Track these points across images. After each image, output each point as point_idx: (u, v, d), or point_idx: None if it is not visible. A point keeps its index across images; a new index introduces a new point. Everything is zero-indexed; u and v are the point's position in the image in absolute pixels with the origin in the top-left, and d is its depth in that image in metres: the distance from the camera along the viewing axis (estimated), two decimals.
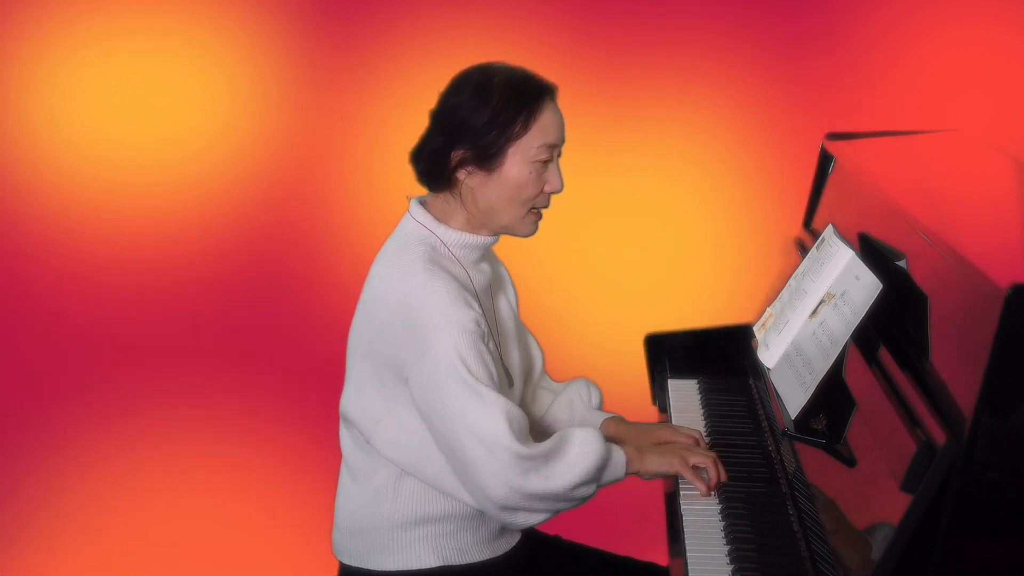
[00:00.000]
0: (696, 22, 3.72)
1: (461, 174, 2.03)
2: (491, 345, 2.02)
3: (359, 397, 2.07)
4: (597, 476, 2.02)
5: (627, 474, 2.09)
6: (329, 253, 3.86)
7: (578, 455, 1.99)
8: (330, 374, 2.53)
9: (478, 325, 1.97)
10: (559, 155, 2.07)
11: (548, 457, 1.97)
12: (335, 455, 2.20)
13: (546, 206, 2.08)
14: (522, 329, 2.30)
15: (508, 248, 2.23)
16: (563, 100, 2.10)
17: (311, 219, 3.87)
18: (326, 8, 3.77)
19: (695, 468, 2.12)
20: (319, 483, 3.39)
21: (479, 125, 2.00)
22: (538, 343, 2.36)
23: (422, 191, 2.12)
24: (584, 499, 2.03)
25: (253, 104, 3.82)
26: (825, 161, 2.65)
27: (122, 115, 3.81)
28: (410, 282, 1.98)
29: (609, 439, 2.29)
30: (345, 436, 2.14)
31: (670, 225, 3.82)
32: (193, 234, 3.85)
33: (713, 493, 2.11)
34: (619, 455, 2.06)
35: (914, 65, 3.64)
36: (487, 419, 1.93)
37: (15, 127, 3.80)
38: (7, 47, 3.75)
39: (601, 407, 2.36)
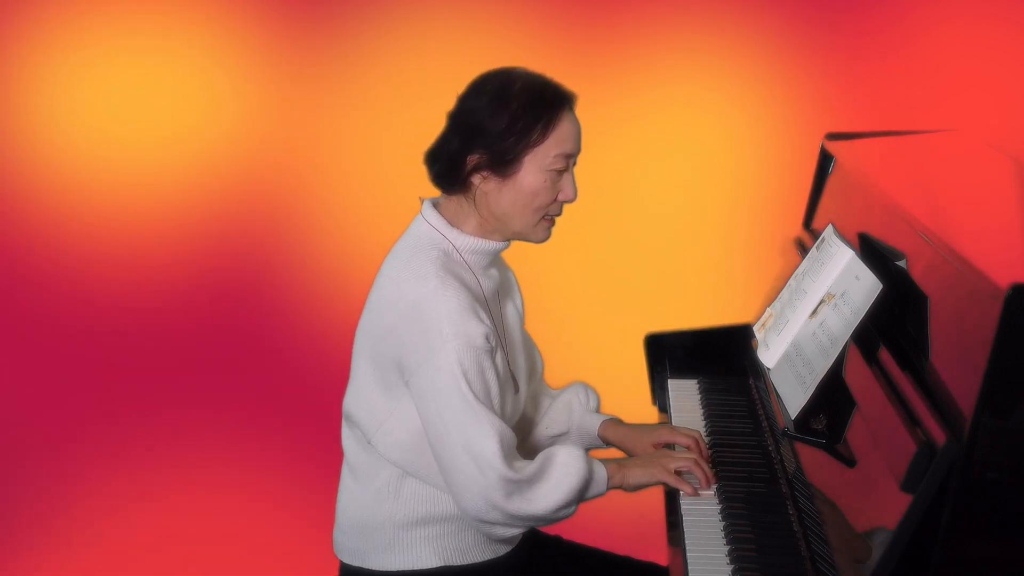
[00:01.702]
0: (696, 23, 3.73)
1: (476, 178, 2.03)
2: (499, 356, 2.02)
3: (362, 397, 2.07)
4: (578, 497, 2.04)
5: (609, 489, 2.10)
6: (336, 252, 3.86)
7: (560, 477, 2.00)
8: (334, 373, 2.53)
9: (487, 340, 1.97)
10: (574, 164, 2.07)
11: (532, 481, 1.99)
12: (337, 454, 2.20)
13: (558, 214, 2.08)
14: (526, 335, 2.31)
15: (509, 247, 2.23)
16: None
17: (318, 218, 3.88)
18: (330, 7, 3.77)
19: (679, 472, 2.13)
20: (320, 482, 3.39)
21: (497, 130, 1.99)
22: (538, 348, 2.36)
23: (432, 191, 2.12)
24: (563, 518, 2.05)
25: (257, 104, 3.83)
26: (825, 161, 2.65)
27: (122, 115, 3.81)
28: (422, 288, 1.98)
29: (607, 442, 2.30)
30: (348, 436, 2.14)
31: (670, 225, 3.82)
32: (196, 234, 3.86)
33: (713, 492, 2.11)
34: (600, 474, 2.07)
35: (914, 65, 3.64)
36: (480, 438, 1.94)
37: (15, 127, 3.81)
38: (7, 47, 3.76)
39: (599, 411, 2.36)
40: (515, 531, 2.04)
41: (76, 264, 3.83)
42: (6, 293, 3.83)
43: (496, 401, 2.00)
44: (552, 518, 2.03)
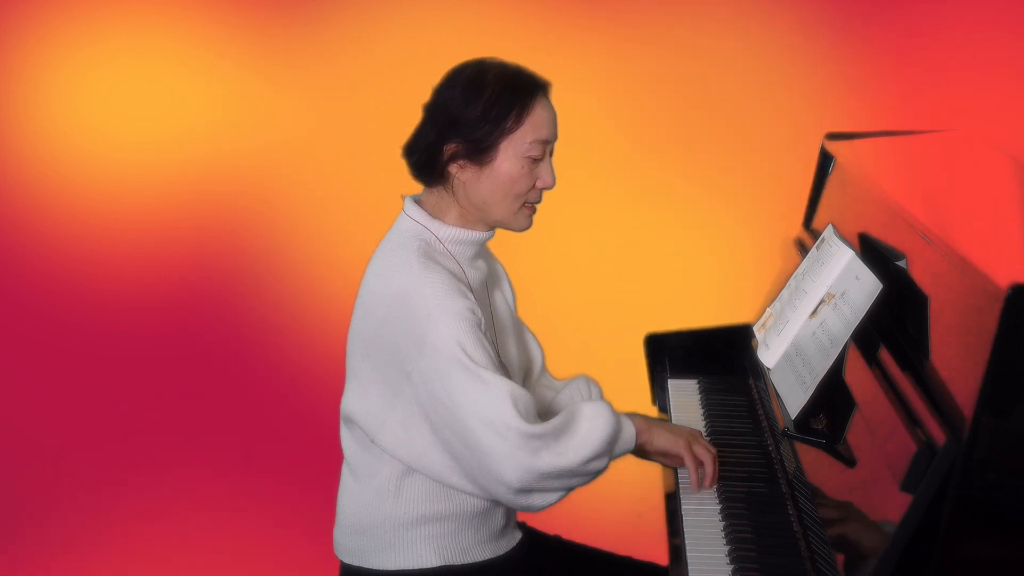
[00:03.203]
0: (696, 21, 3.73)
1: (453, 168, 2.04)
2: (487, 342, 2.02)
3: (362, 397, 2.07)
4: (609, 448, 2.00)
5: (636, 445, 2.07)
6: (326, 253, 3.87)
7: (589, 429, 1.98)
8: (333, 373, 2.53)
9: (473, 313, 1.97)
10: (551, 152, 2.07)
11: (558, 433, 1.96)
12: (337, 454, 2.20)
13: (538, 201, 2.09)
14: (520, 326, 2.31)
15: (508, 247, 2.23)
16: (561, 98, 2.10)
17: (308, 219, 3.88)
18: (329, 8, 3.78)
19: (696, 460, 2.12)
20: (320, 482, 3.39)
21: (471, 119, 2.00)
22: (538, 341, 2.36)
23: (418, 189, 2.13)
24: (598, 473, 2.01)
25: (250, 106, 3.83)
26: (825, 161, 2.65)
27: (122, 116, 3.82)
28: (404, 276, 1.98)
29: None
30: (347, 436, 2.14)
31: (670, 225, 3.82)
32: (191, 236, 3.86)
33: (713, 492, 2.11)
34: (628, 426, 2.05)
35: (914, 65, 3.64)
36: (492, 402, 1.92)
37: (14, 128, 3.81)
38: (6, 47, 3.76)
39: None
40: (553, 496, 1.99)
41: (77, 264, 3.83)
42: (6, 293, 3.83)
43: (497, 366, 1.99)
44: (585, 471, 1.98)
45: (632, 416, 2.09)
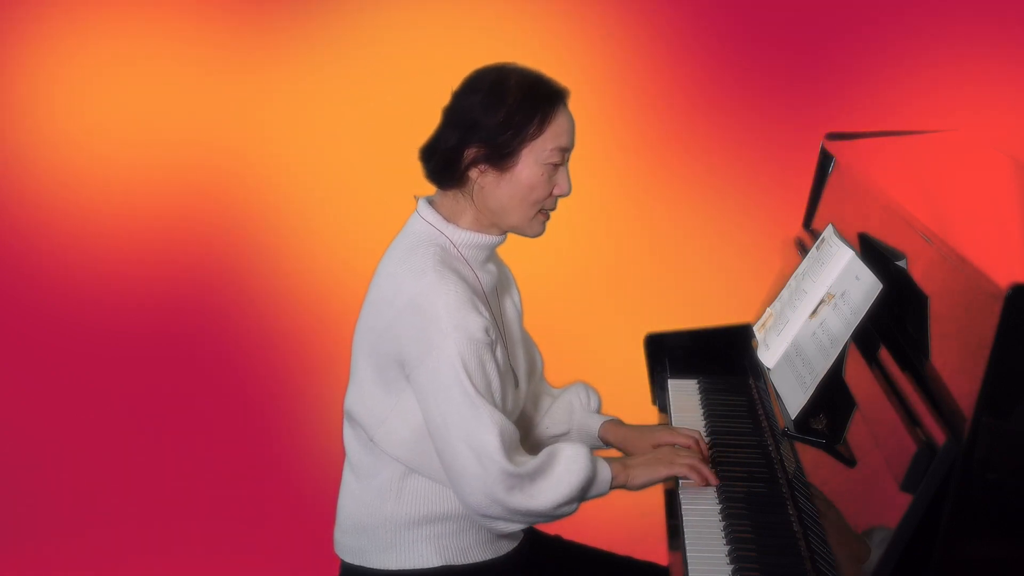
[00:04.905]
0: (696, 22, 3.73)
1: (473, 172, 2.04)
2: (498, 350, 2.03)
3: (363, 395, 2.07)
4: (580, 495, 2.03)
5: (612, 489, 2.10)
6: (334, 251, 3.87)
7: (563, 473, 2.00)
8: (334, 372, 2.54)
9: (486, 333, 1.98)
10: (568, 159, 2.08)
11: (534, 476, 1.99)
12: (338, 453, 2.21)
13: (553, 208, 2.09)
14: (525, 333, 2.31)
15: (508, 247, 2.23)
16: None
17: (317, 217, 3.88)
18: (331, 7, 3.78)
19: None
20: (320, 481, 3.40)
21: (494, 124, 2.00)
22: (537, 347, 2.36)
23: (429, 189, 2.13)
24: (565, 516, 2.05)
25: (252, 106, 3.83)
26: (825, 161, 2.65)
27: (123, 117, 3.82)
28: (419, 283, 1.98)
29: (608, 443, 2.30)
30: (349, 434, 2.15)
31: (670, 225, 3.83)
32: (192, 235, 3.86)
33: (713, 492, 2.11)
34: (604, 473, 2.07)
35: (914, 65, 3.64)
36: (481, 432, 1.95)
37: (14, 129, 3.81)
38: (6, 47, 3.77)
39: (600, 411, 2.36)
40: (516, 526, 2.04)
41: (74, 264, 3.84)
42: (5, 292, 3.84)
43: (497, 395, 2.01)
44: (553, 515, 2.02)
45: (610, 460, 2.10)
